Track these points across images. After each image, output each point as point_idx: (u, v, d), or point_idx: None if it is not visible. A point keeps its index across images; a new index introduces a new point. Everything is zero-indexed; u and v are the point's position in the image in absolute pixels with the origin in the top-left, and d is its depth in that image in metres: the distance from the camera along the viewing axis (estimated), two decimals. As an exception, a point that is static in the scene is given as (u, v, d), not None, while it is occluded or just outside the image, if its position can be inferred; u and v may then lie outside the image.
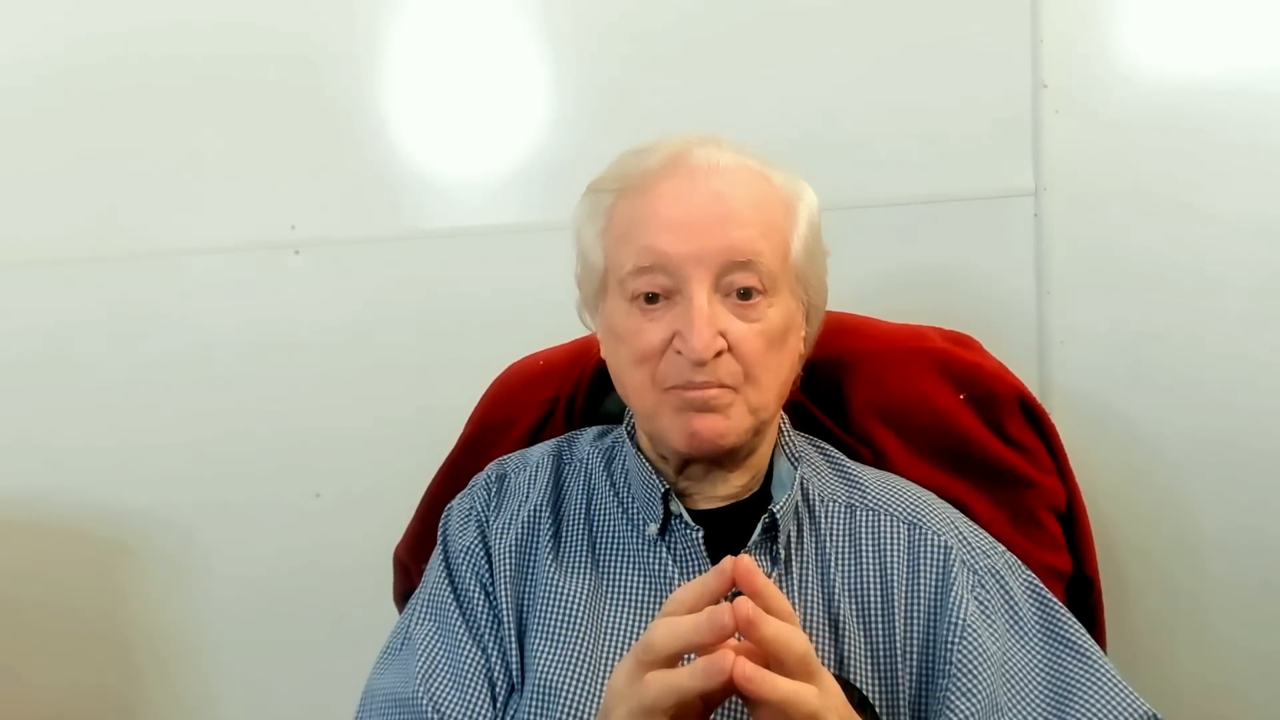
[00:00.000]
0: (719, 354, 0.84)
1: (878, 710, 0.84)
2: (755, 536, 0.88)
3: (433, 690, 0.88)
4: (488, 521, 0.95)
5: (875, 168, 1.38)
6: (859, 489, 0.95)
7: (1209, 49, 1.32)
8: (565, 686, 0.85)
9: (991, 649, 0.85)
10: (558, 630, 0.88)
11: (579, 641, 0.87)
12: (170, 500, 1.51)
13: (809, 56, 1.38)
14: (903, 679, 0.85)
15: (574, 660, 0.86)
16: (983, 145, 1.37)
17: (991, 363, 1.12)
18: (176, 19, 1.44)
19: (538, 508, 0.95)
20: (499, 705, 0.87)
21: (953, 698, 0.83)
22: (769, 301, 0.86)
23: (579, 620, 0.88)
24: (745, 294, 0.85)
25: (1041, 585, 0.93)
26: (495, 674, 0.89)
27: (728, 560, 0.68)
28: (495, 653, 0.89)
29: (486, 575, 0.92)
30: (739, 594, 0.67)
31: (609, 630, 0.88)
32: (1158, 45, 1.33)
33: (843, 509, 0.93)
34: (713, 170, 0.86)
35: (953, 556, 0.89)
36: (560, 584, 0.90)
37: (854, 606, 0.87)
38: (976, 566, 0.90)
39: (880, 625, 0.87)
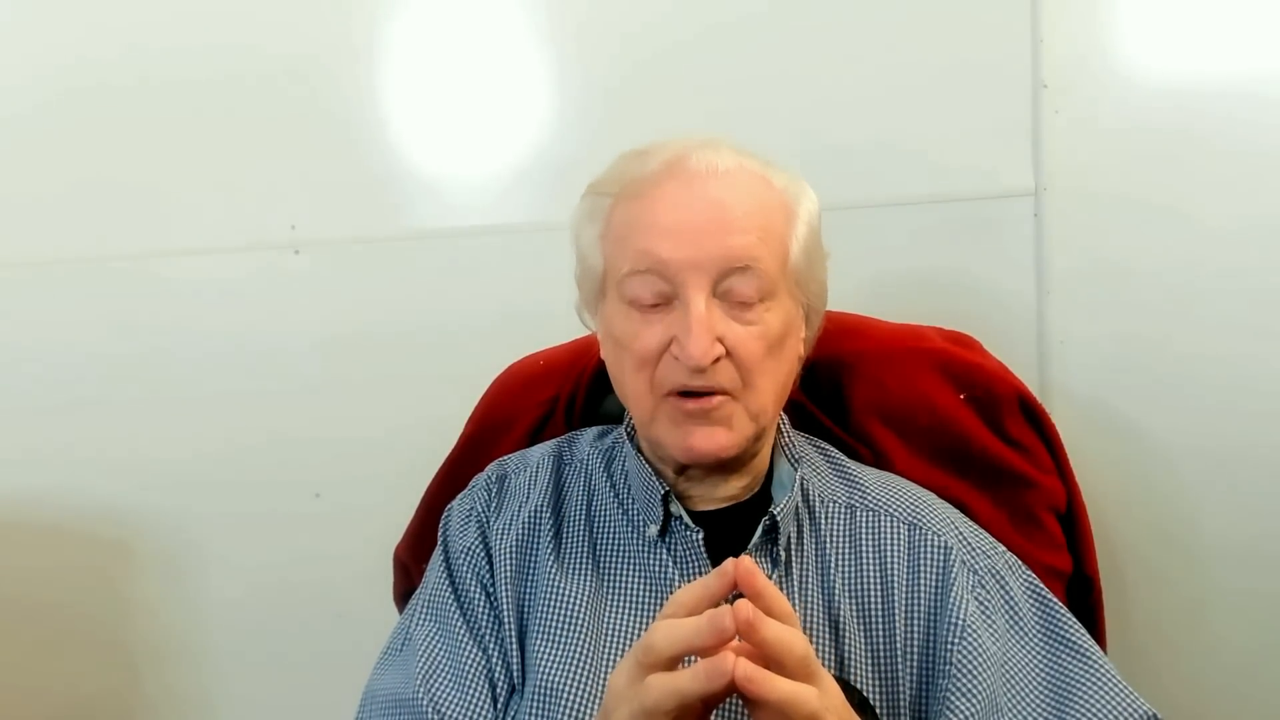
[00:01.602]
0: (717, 360, 0.83)
1: (878, 711, 0.84)
2: (756, 539, 0.88)
3: (433, 691, 0.88)
4: (488, 522, 0.95)
5: (875, 168, 1.38)
6: (859, 489, 0.95)
7: (1209, 51, 1.32)
8: (565, 688, 0.85)
9: (991, 649, 0.85)
10: (558, 631, 0.88)
11: (579, 643, 0.87)
12: (170, 501, 1.51)
13: (810, 57, 1.38)
14: (903, 679, 0.85)
15: (574, 661, 0.86)
16: (983, 145, 1.37)
17: (991, 363, 1.12)
18: (177, 18, 1.44)
19: (538, 509, 0.95)
20: (499, 706, 0.87)
21: (952, 698, 0.83)
22: (767, 306, 0.86)
23: (579, 621, 0.88)
24: (744, 299, 0.85)
25: (1041, 585, 0.93)
26: (496, 675, 0.88)
27: (729, 562, 0.68)
28: (496, 653, 0.89)
29: (487, 576, 0.92)
30: (739, 595, 0.67)
31: (609, 631, 0.88)
32: (1158, 46, 1.33)
33: (843, 509, 0.93)
34: (711, 175, 0.86)
35: (953, 557, 0.89)
36: (561, 585, 0.90)
37: (854, 607, 0.88)
38: (976, 567, 0.90)
39: (880, 626, 0.87)
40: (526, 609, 0.90)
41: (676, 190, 0.86)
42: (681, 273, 0.84)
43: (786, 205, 0.89)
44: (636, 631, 0.87)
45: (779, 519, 0.88)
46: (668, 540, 0.90)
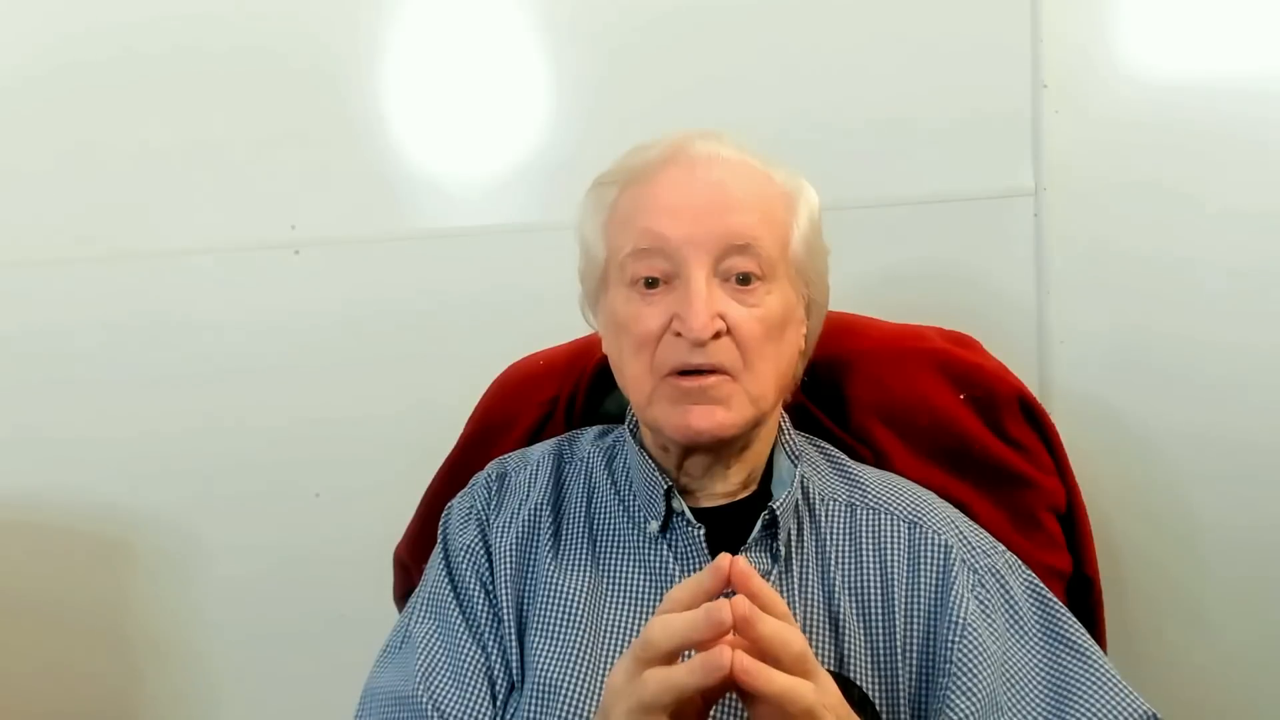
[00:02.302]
0: (717, 336, 0.84)
1: (878, 708, 0.84)
2: (755, 533, 0.88)
3: (433, 688, 0.88)
4: (488, 520, 0.95)
5: (875, 168, 1.38)
6: (859, 488, 0.95)
7: (1209, 49, 1.32)
8: (565, 684, 0.85)
9: (991, 648, 0.85)
10: (558, 628, 0.88)
11: (579, 639, 0.87)
12: (170, 499, 1.51)
13: (809, 56, 1.38)
14: (902, 678, 0.85)
15: (574, 658, 0.86)
16: (983, 145, 1.37)
17: (991, 363, 1.12)
18: (176, 19, 1.45)
19: (538, 506, 0.95)
20: (499, 703, 0.88)
21: (952, 696, 0.83)
22: (768, 288, 0.86)
23: (579, 618, 0.88)
24: (744, 279, 0.85)
25: (1041, 585, 0.93)
26: (495, 672, 0.89)
27: (723, 557, 0.68)
28: (495, 651, 0.89)
29: (487, 574, 0.93)
30: (735, 592, 0.67)
31: (609, 627, 0.88)
32: (1158, 45, 1.33)
33: (843, 508, 0.93)
34: (713, 161, 0.87)
35: (953, 555, 0.89)
36: (560, 582, 0.90)
37: (854, 605, 0.87)
38: (976, 566, 0.90)
39: (880, 624, 0.87)
40: (526, 606, 0.90)
41: (679, 173, 0.87)
42: (682, 249, 0.84)
43: (787, 196, 0.90)
44: (637, 627, 0.87)
45: (778, 513, 0.88)
46: (669, 536, 0.90)
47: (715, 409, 0.85)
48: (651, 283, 0.86)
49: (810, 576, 0.89)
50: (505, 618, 0.90)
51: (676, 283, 0.85)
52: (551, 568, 0.91)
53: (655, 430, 0.90)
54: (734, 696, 0.69)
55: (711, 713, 0.70)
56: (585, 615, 0.88)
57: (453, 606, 0.92)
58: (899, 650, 0.86)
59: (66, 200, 1.48)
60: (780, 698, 0.65)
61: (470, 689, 0.88)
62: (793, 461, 0.94)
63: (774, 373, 0.87)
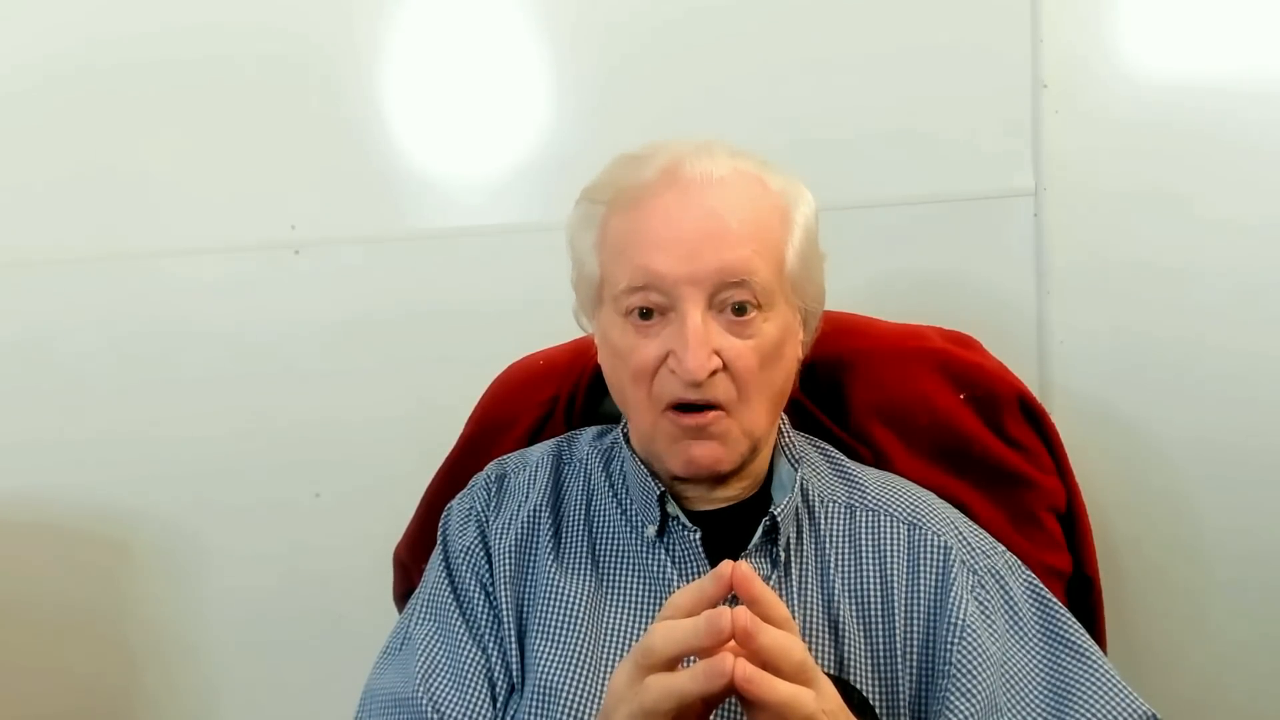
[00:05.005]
0: (714, 373, 0.84)
1: (878, 711, 0.84)
2: (756, 539, 0.88)
3: (432, 690, 0.88)
4: (487, 521, 0.96)
5: (875, 168, 1.38)
6: (859, 489, 0.95)
7: (1209, 49, 1.32)
8: (565, 687, 0.85)
9: (991, 649, 0.85)
10: (557, 631, 0.88)
11: (579, 642, 0.87)
12: (170, 500, 1.51)
13: (809, 56, 1.38)
14: (902, 680, 0.85)
15: (574, 661, 0.86)
16: (983, 145, 1.37)
17: (992, 363, 1.12)
18: (176, 19, 1.44)
19: (537, 508, 0.95)
20: (499, 705, 0.88)
21: (952, 698, 0.83)
22: (764, 316, 0.86)
23: (579, 621, 0.88)
24: (740, 310, 0.85)
25: (1041, 585, 0.93)
26: (495, 674, 0.89)
27: (725, 565, 0.68)
28: (495, 653, 0.89)
29: (486, 575, 0.93)
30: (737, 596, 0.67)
31: (609, 631, 0.88)
32: (1158, 45, 1.33)
33: (843, 510, 0.93)
34: (706, 184, 0.85)
35: (952, 557, 0.89)
36: (560, 584, 0.90)
37: (854, 608, 0.88)
38: (976, 567, 0.90)
39: (880, 626, 0.87)
40: (526, 608, 0.90)
41: (671, 202, 0.85)
42: (678, 287, 0.84)
43: (782, 210, 0.89)
44: (636, 631, 0.87)
45: (779, 520, 0.88)
46: (666, 540, 0.90)
47: (714, 445, 0.86)
48: (646, 314, 0.86)
49: (810, 580, 0.89)
50: (505, 619, 0.90)
51: (672, 315, 0.85)
52: (552, 570, 0.91)
53: (655, 461, 0.91)
54: (733, 701, 0.69)
55: (711, 717, 0.70)
56: (585, 619, 0.88)
57: (452, 608, 0.92)
58: (899, 653, 0.86)
59: (66, 202, 1.47)
60: (782, 707, 0.65)
61: (470, 690, 0.88)
62: (793, 465, 0.94)
63: (768, 401, 0.87)
